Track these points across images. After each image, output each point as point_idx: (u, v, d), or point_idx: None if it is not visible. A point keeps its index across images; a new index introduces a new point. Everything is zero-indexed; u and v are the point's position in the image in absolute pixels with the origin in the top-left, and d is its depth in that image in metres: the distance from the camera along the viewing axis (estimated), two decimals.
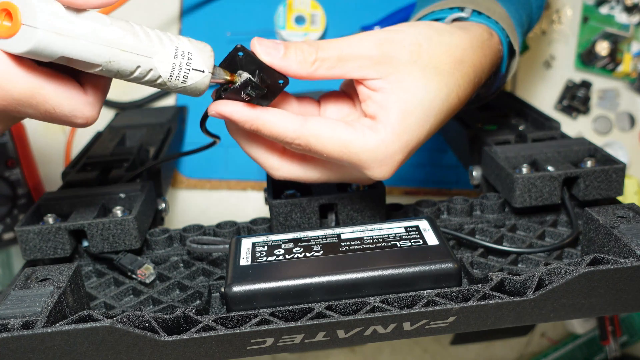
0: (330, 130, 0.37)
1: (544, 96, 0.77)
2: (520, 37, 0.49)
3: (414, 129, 0.38)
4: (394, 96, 0.38)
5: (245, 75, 0.37)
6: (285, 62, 0.37)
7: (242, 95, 0.37)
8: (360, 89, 0.39)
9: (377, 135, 0.38)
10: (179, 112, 0.70)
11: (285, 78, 0.38)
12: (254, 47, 0.37)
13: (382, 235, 0.39)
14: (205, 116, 0.40)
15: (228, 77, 0.37)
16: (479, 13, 0.46)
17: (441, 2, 0.49)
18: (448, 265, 0.36)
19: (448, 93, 0.39)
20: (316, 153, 0.38)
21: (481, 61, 0.42)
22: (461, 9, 0.46)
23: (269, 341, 0.33)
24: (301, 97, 0.42)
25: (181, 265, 0.45)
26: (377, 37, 0.39)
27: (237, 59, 0.37)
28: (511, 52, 0.48)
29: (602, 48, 0.73)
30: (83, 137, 0.72)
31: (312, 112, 0.42)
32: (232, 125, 0.40)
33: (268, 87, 0.38)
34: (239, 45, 0.37)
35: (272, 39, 0.38)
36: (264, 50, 0.37)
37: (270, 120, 0.37)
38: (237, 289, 0.35)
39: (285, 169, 0.41)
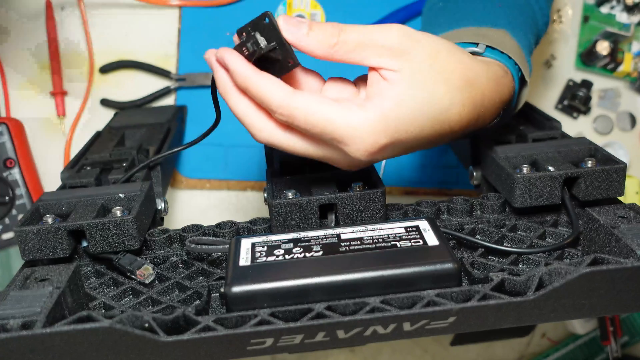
0: (316, 106, 0.38)
1: (544, 96, 0.77)
2: (529, 64, 0.49)
3: (404, 121, 0.38)
4: (399, 88, 0.38)
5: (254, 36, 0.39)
6: (306, 42, 0.38)
7: (242, 49, 0.39)
8: (372, 75, 0.39)
9: (363, 113, 0.38)
10: (179, 112, 0.70)
11: (295, 60, 0.39)
12: (279, 21, 0.38)
13: (382, 235, 0.39)
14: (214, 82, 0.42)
15: None
16: (492, 48, 0.46)
17: (452, 32, 0.49)
18: (448, 266, 0.36)
19: (449, 106, 0.39)
20: (298, 126, 0.38)
21: (492, 95, 0.42)
22: (474, 44, 0.46)
23: (269, 341, 0.33)
24: (308, 70, 0.42)
25: (180, 265, 0.45)
26: (402, 30, 0.39)
27: (261, 24, 0.39)
28: (520, 81, 0.48)
29: (603, 48, 0.73)
30: (82, 137, 0.72)
31: (313, 87, 0.42)
32: (225, 78, 0.40)
33: (277, 62, 0.39)
34: (268, 12, 0.38)
35: (298, 17, 0.39)
36: (288, 28, 0.38)
37: (259, 83, 0.38)
38: (236, 289, 0.35)
39: (268, 131, 0.40)
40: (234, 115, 0.41)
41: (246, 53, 0.39)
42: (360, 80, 0.42)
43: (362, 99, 0.39)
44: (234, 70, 0.39)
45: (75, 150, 0.73)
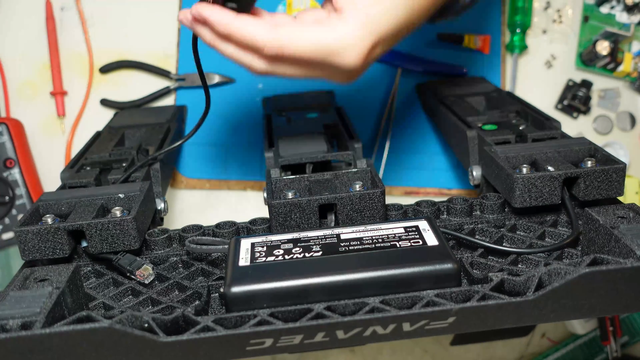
0: (300, 32, 0.40)
1: (544, 96, 0.77)
2: None
3: (382, 17, 0.41)
4: None
5: None
6: None
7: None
8: None
9: (344, 24, 0.40)
10: (178, 112, 0.70)
11: None
12: None
13: (382, 235, 0.39)
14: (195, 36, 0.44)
15: None
16: None
17: None
18: (448, 266, 0.36)
19: None
20: (289, 56, 0.40)
21: None
22: None
23: (268, 342, 0.33)
24: (274, 13, 0.44)
25: (180, 265, 0.45)
26: None
27: None
28: None
29: (603, 47, 0.73)
30: (82, 137, 0.72)
31: (288, 22, 0.43)
32: (207, 32, 0.42)
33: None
34: None
35: None
36: None
37: (240, 27, 0.40)
38: (236, 289, 0.35)
39: (264, 64, 0.42)
40: (227, 59, 0.43)
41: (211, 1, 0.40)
42: (326, 2, 0.44)
43: (337, 14, 0.41)
44: (213, 21, 0.41)
45: (75, 151, 0.73)
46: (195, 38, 0.45)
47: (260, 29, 0.40)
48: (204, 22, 0.41)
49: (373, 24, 0.41)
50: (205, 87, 0.50)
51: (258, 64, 0.42)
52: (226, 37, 0.41)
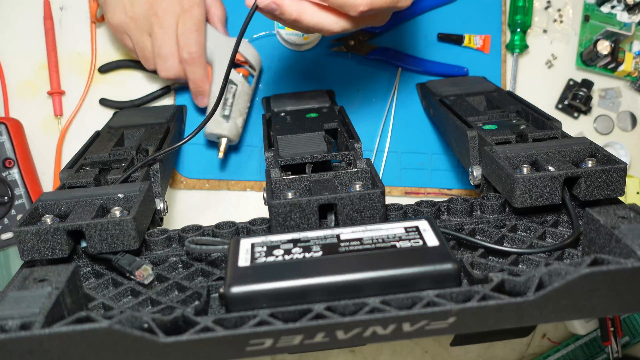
0: None
1: (545, 95, 0.77)
2: None
3: None
4: None
5: None
6: None
7: None
8: None
9: None
10: (178, 112, 0.70)
11: None
12: None
13: (382, 235, 0.39)
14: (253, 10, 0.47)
15: None
16: None
17: None
18: (448, 266, 0.36)
19: None
20: (377, 8, 0.47)
21: None
22: None
23: (268, 342, 0.33)
24: None
25: (180, 265, 0.45)
26: None
27: None
28: None
29: (604, 47, 0.73)
30: (81, 137, 0.72)
31: None
32: (297, 2, 0.47)
33: None
34: None
35: None
36: None
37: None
38: (236, 289, 0.35)
39: (342, 24, 0.49)
40: (306, 28, 0.48)
41: None
42: None
43: None
44: (285, 9, 0.46)
45: (68, 151, 0.72)
46: (245, 25, 0.47)
47: None
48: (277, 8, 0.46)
49: None
50: (226, 77, 0.52)
51: (339, 23, 0.48)
52: (317, 4, 0.47)
